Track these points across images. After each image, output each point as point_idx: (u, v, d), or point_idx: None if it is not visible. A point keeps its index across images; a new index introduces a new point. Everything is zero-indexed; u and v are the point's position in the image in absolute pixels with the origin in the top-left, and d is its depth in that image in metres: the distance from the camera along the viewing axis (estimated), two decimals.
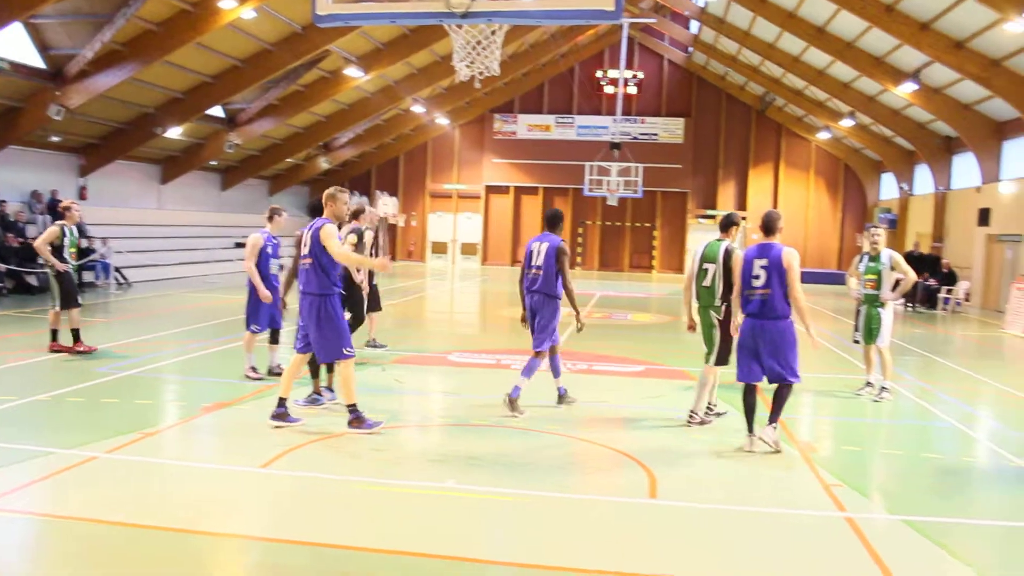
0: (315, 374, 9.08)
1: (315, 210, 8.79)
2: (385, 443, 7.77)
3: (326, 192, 8.32)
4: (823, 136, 38.05)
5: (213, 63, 24.11)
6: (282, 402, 8.16)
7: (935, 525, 6.02)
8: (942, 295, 25.05)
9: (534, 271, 9.25)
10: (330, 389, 9.19)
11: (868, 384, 10.81)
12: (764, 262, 7.77)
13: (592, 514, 6.17)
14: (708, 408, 9.04)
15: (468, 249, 42.19)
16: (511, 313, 20.12)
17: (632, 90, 39.84)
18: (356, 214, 12.56)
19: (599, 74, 40.48)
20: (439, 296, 25.31)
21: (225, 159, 31.75)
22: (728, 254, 8.72)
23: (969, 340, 18.66)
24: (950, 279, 25.59)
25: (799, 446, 8.14)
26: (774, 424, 7.85)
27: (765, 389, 8.09)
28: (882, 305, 10.55)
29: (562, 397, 9.64)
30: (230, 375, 10.69)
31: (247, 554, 5.32)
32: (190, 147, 29.12)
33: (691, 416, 8.85)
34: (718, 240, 9.00)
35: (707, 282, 8.85)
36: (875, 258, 10.65)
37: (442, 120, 39.55)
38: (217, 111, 28.03)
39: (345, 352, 8.00)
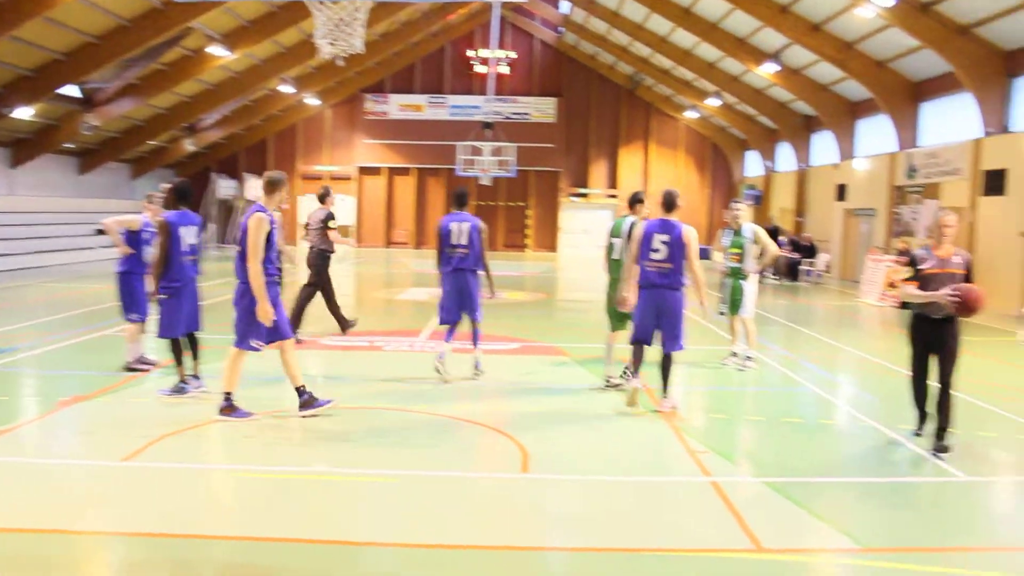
0: (179, 361, 8.77)
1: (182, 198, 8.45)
2: (255, 430, 7.58)
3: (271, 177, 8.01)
4: (691, 115, 39.00)
5: (65, 39, 22.83)
6: (228, 396, 7.91)
7: (795, 485, 6.25)
8: (803, 267, 26.12)
9: (461, 250, 9.72)
10: (196, 377, 8.88)
11: (733, 354, 11.15)
12: (665, 237, 8.31)
13: (464, 490, 6.17)
14: (608, 380, 9.56)
15: (341, 231, 41.50)
16: (387, 295, 19.96)
17: (504, 70, 39.90)
18: (323, 198, 12.51)
19: (471, 53, 40.36)
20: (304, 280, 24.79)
21: (82, 142, 30.24)
22: (632, 228, 9.14)
23: (828, 309, 19.50)
24: (811, 252, 26.72)
25: (666, 415, 8.31)
26: (666, 394, 8.45)
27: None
28: (745, 277, 10.88)
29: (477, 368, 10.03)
30: (88, 367, 10.23)
31: (111, 551, 5.10)
32: (43, 129, 27.58)
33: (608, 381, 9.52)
34: (623, 216, 9.63)
35: (616, 255, 9.54)
36: (738, 232, 10.97)
37: (312, 100, 38.74)
38: (72, 90, 26.59)
39: (252, 344, 7.82)
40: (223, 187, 38.71)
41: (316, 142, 41.36)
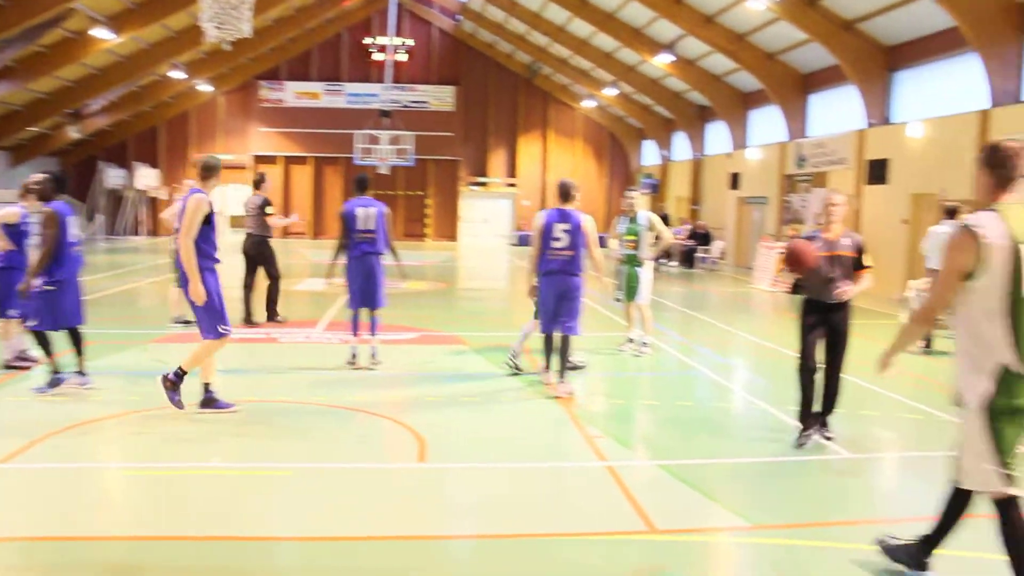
0: (49, 352, 8.35)
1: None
2: (146, 427, 7.32)
3: (203, 161, 7.77)
4: (588, 104, 39.34)
5: None
6: (207, 387, 7.71)
7: (689, 467, 6.37)
8: (699, 254, 26.69)
9: (367, 235, 9.76)
10: (82, 373, 8.51)
11: (630, 340, 11.30)
12: (566, 226, 8.59)
13: (360, 481, 6.08)
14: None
15: (237, 222, 40.39)
16: (284, 286, 19.54)
17: (402, 57, 39.49)
18: (258, 184, 12.24)
19: (368, 41, 39.81)
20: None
21: None
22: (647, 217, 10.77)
23: (723, 295, 19.97)
24: (706, 239, 27.32)
25: (563, 401, 8.37)
26: (563, 378, 8.64)
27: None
28: (641, 264, 11.02)
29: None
30: None
31: None
32: None
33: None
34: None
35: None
36: (633, 220, 11.10)
37: (204, 87, 37.66)
38: None
39: (220, 330, 7.60)
40: (111, 176, 37.36)
41: (209, 130, 40.23)
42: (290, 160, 40.00)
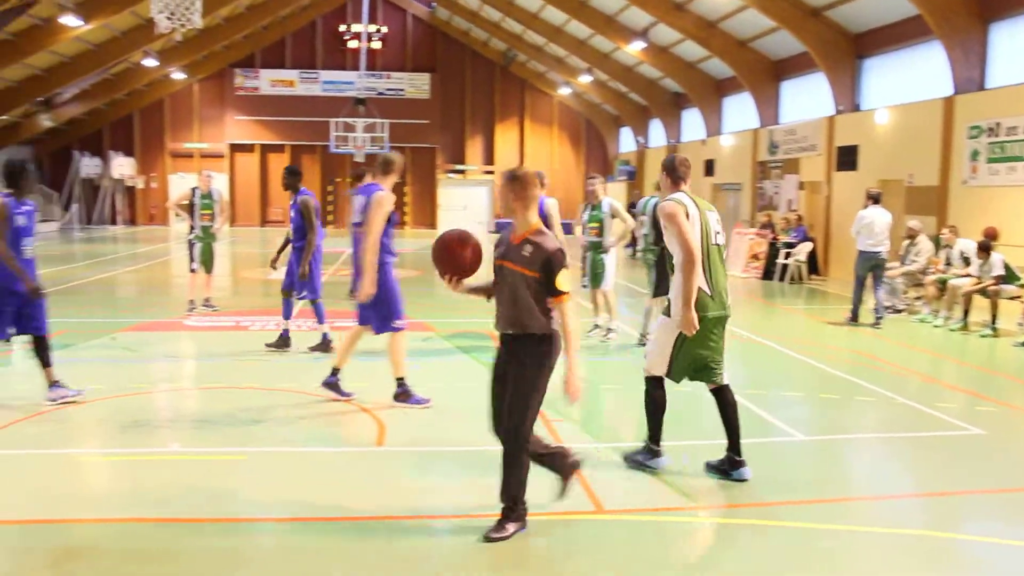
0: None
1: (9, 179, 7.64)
2: (109, 414, 7.39)
3: (383, 157, 7.77)
4: (564, 91, 39.41)
5: None
6: (335, 372, 7.84)
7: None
8: None
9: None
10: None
11: (596, 326, 11.42)
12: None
13: (320, 465, 6.19)
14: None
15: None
16: (259, 275, 19.60)
17: (376, 45, 39.41)
18: (360, 177, 12.59)
19: (342, 28, 39.70)
20: (181, 260, 24.18)
21: None
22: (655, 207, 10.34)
23: None
24: None
25: None
26: None
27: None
28: (605, 251, 11.13)
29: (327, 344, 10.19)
30: None
31: None
32: None
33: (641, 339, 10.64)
34: (649, 196, 11.25)
35: (645, 230, 10.98)
36: (596, 207, 11.18)
37: (179, 75, 37.48)
38: None
39: (395, 324, 7.67)
40: (87, 165, 37.18)
41: (185, 118, 40.04)
42: (267, 148, 39.87)
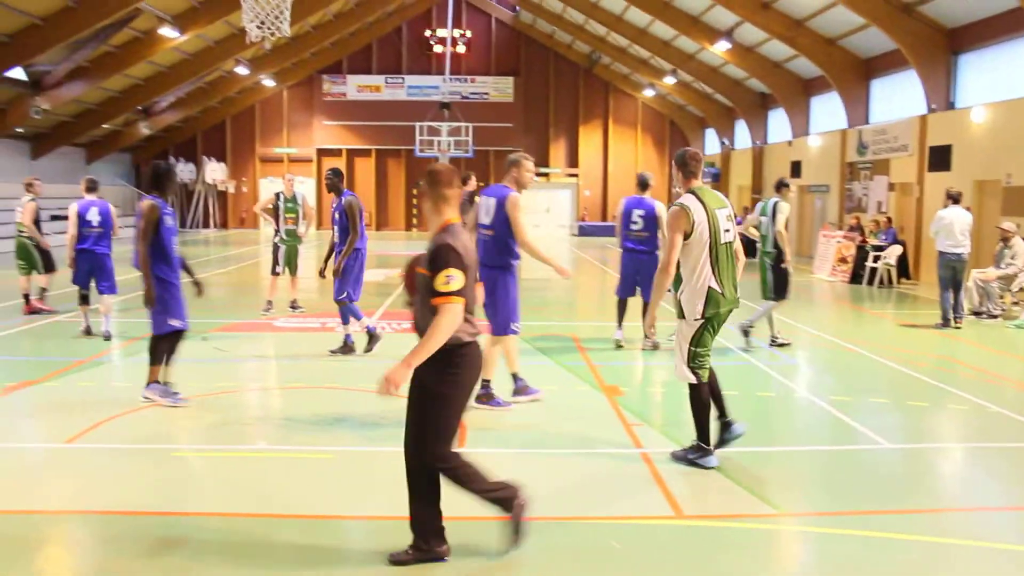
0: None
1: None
2: (199, 412, 7.64)
3: (510, 157, 7.87)
4: (648, 93, 39.15)
5: (8, 20, 22.42)
6: (515, 377, 7.94)
7: (725, 455, 6.39)
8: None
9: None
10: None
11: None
12: (642, 212, 10.52)
13: (399, 466, 6.27)
14: (774, 339, 11.16)
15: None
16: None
17: (461, 49, 39.80)
18: (465, 180, 13.15)
19: (428, 33, 40.19)
20: (269, 262, 24.77)
21: (33, 126, 29.80)
22: (775, 208, 11.07)
23: None
24: None
25: (606, 390, 8.48)
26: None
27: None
28: None
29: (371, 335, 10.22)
30: (37, 353, 10.22)
31: (49, 528, 5.14)
32: None
33: (772, 340, 11.09)
34: (768, 199, 11.47)
35: (763, 231, 11.40)
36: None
37: (268, 82, 38.42)
38: (18, 73, 26.16)
39: (512, 328, 7.77)
40: (181, 171, 38.39)
41: (274, 124, 41.02)
42: (353, 152, 40.54)
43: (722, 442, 6.22)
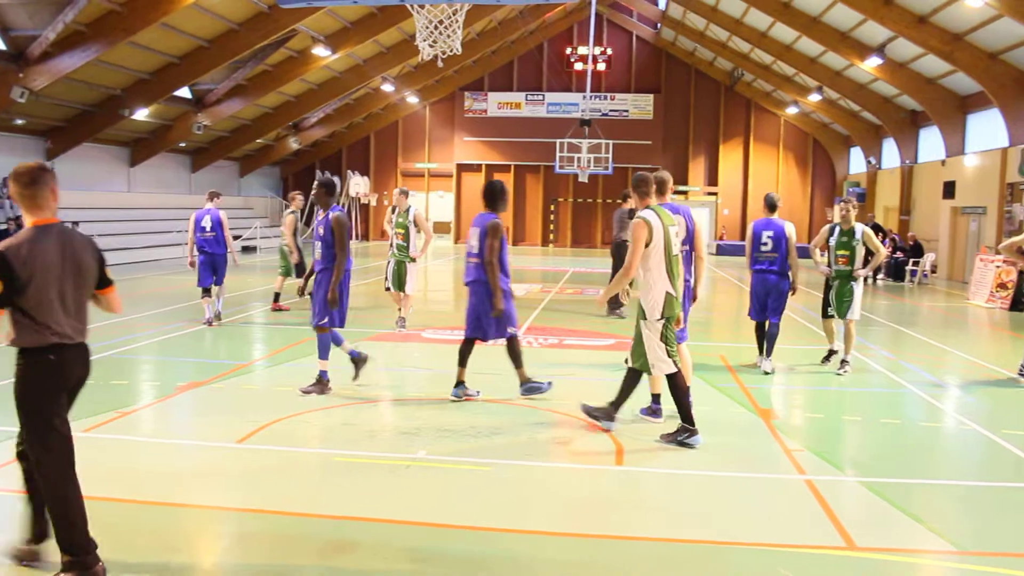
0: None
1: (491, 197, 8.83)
2: (358, 418, 7.89)
3: (658, 176, 7.85)
4: (792, 111, 38.31)
5: (179, 44, 23.89)
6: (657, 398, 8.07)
7: (891, 486, 6.21)
8: (909, 267, 25.42)
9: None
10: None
11: (832, 352, 10.99)
12: (771, 232, 10.37)
13: (557, 481, 6.33)
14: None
15: (440, 228, 42.11)
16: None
17: (601, 67, 39.87)
18: (626, 197, 13.51)
19: (568, 51, 40.47)
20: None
21: (194, 141, 31.55)
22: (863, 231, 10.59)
23: (935, 311, 18.97)
24: (917, 251, 25.99)
25: (763, 414, 8.32)
26: (768, 356, 10.45)
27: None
28: (855, 279, 10.57)
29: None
30: (203, 355, 10.73)
31: (225, 524, 5.42)
32: (158, 129, 28.90)
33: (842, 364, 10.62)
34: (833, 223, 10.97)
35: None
36: (848, 233, 10.60)
37: (412, 99, 39.42)
38: (184, 92, 27.78)
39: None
40: (354, 183, 39.80)
41: (417, 140, 42.04)
42: (492, 168, 41.10)
43: (607, 416, 7.52)
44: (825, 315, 10.96)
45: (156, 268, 23.83)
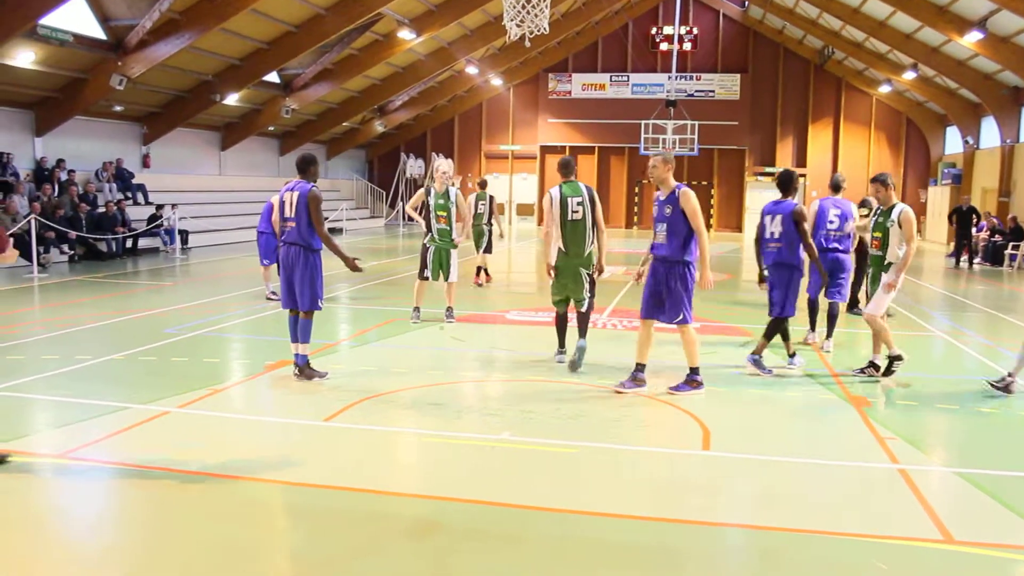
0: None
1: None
2: (443, 398, 7.97)
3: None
4: (884, 90, 37.18)
5: (268, 29, 24.33)
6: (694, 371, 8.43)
7: (989, 477, 6.00)
8: (1008, 251, 24.49)
9: (288, 224, 8.49)
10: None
11: (895, 358, 10.08)
12: (837, 211, 10.83)
13: (644, 465, 6.29)
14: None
15: (524, 210, 42.18)
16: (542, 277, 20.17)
17: (687, 46, 39.25)
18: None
19: (653, 31, 39.93)
20: (496, 257, 25.43)
21: (282, 124, 32.14)
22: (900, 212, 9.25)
23: None
24: (1018, 234, 25.00)
25: (854, 400, 8.14)
26: (829, 337, 10.68)
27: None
28: (885, 270, 9.27)
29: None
30: (285, 334, 10.95)
31: (314, 500, 5.50)
32: (248, 113, 29.53)
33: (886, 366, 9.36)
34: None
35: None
36: (885, 213, 9.40)
37: (496, 81, 39.43)
38: (273, 77, 28.31)
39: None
40: (411, 166, 40.15)
41: (500, 122, 42.07)
42: (576, 150, 40.85)
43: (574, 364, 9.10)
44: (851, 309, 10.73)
45: (248, 249, 24.36)
